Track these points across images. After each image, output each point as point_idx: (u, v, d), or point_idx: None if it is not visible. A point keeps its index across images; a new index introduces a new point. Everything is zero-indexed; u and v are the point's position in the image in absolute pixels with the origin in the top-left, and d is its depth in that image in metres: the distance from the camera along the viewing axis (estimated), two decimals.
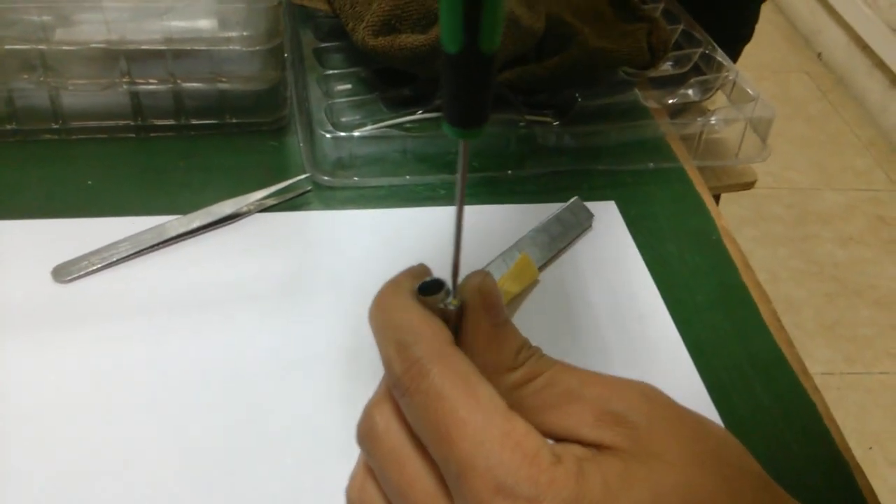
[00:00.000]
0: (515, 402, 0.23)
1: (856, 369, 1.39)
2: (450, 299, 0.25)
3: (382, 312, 0.25)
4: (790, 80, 2.08)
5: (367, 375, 0.39)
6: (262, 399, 0.38)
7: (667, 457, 0.21)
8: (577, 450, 0.22)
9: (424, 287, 0.25)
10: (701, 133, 0.55)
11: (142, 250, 0.44)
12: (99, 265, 0.43)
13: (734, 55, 0.81)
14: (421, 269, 0.26)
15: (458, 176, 0.24)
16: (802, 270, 1.55)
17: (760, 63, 2.10)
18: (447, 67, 0.20)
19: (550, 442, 0.22)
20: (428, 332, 0.23)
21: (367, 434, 0.25)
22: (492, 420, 0.21)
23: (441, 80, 0.20)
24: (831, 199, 1.72)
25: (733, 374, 0.42)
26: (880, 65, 1.91)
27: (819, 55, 2.17)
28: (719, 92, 0.60)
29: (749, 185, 0.77)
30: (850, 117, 1.94)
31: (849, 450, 0.40)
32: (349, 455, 0.26)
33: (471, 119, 0.21)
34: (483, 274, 0.25)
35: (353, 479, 0.26)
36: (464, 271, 0.25)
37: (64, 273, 0.43)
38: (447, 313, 0.25)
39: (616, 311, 0.44)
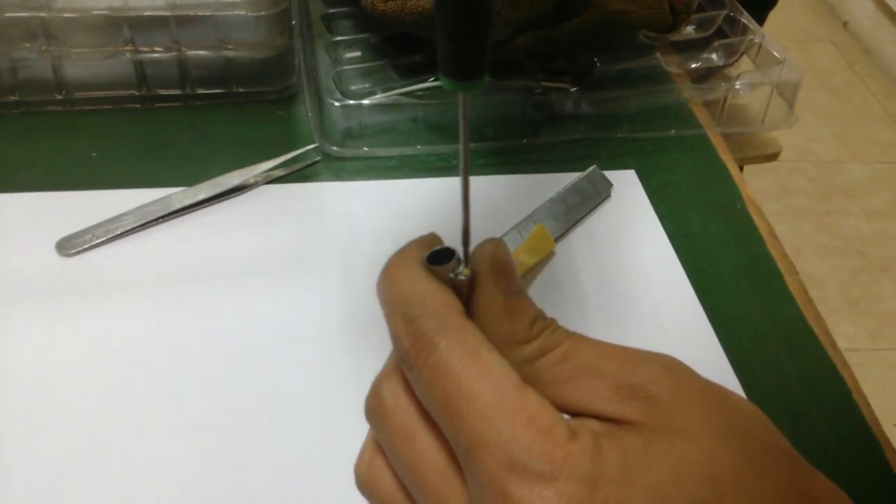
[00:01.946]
0: (529, 376, 0.22)
1: (880, 346, 1.36)
2: (461, 269, 0.24)
3: (390, 284, 0.23)
4: (815, 50, 2.02)
5: (378, 350, 0.37)
6: (270, 374, 0.37)
7: (689, 432, 0.20)
8: (594, 425, 0.21)
9: (434, 256, 0.24)
10: (725, 98, 0.53)
11: (147, 223, 0.43)
12: (103, 238, 0.42)
13: (759, 21, 0.78)
14: (431, 239, 0.25)
15: (461, 134, 0.22)
16: (826, 245, 1.51)
17: (785, 33, 2.05)
18: (440, 10, 0.18)
19: (566, 417, 0.21)
20: (436, 304, 0.22)
21: (375, 409, 0.24)
22: (503, 394, 0.20)
23: (436, 26, 0.19)
24: (857, 172, 1.67)
25: (758, 348, 0.40)
26: None
27: (845, 24, 2.11)
28: (744, 57, 0.57)
29: (773, 157, 0.75)
30: (877, 88, 1.88)
31: (879, 426, 0.38)
32: (359, 432, 0.25)
33: (469, 69, 0.20)
34: (495, 241, 0.24)
35: (361, 455, 0.25)
36: (476, 243, 0.23)
37: (68, 246, 0.42)
38: (458, 284, 0.24)
39: (636, 283, 0.43)
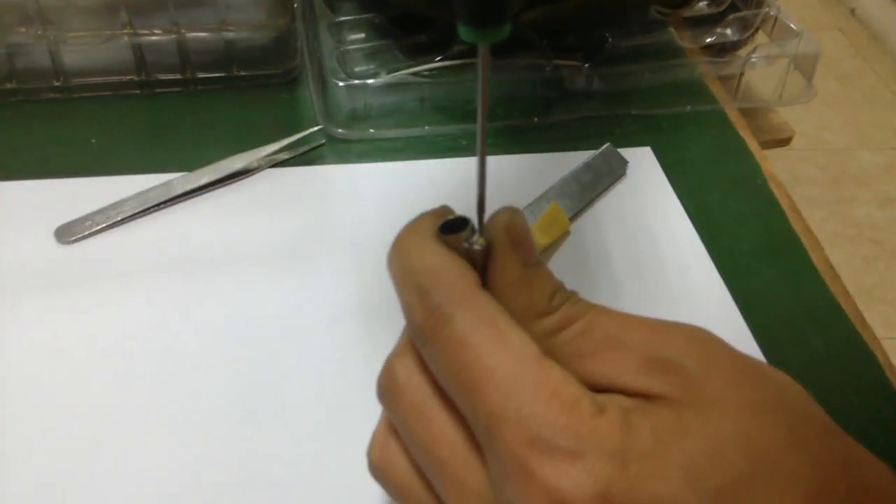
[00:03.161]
0: (550, 350, 0.21)
1: (895, 334, 1.34)
2: (475, 238, 0.22)
3: (401, 256, 0.22)
4: (823, 37, 2.00)
5: (390, 335, 0.36)
6: (278, 362, 0.35)
7: (723, 405, 0.19)
8: (621, 400, 0.20)
9: (447, 226, 0.22)
10: (741, 73, 0.51)
11: (148, 208, 0.42)
12: (103, 225, 0.41)
13: None
14: (443, 211, 0.24)
15: (479, 92, 0.21)
16: (839, 234, 1.49)
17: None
18: None
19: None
20: (450, 275, 0.21)
21: (387, 388, 0.23)
22: (524, 367, 0.19)
23: None
24: (868, 159, 1.65)
25: (785, 326, 0.39)
26: None
27: (852, 11, 2.09)
28: (759, 32, 0.56)
29: (786, 142, 0.73)
30: (886, 74, 1.86)
31: None
32: (371, 419, 0.24)
33: (489, 14, 0.18)
34: (511, 210, 0.22)
35: (374, 438, 0.24)
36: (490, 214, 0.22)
37: (67, 234, 0.40)
38: (473, 254, 0.22)
39: (655, 262, 0.41)
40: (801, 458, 0.19)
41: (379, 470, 0.23)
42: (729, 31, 0.55)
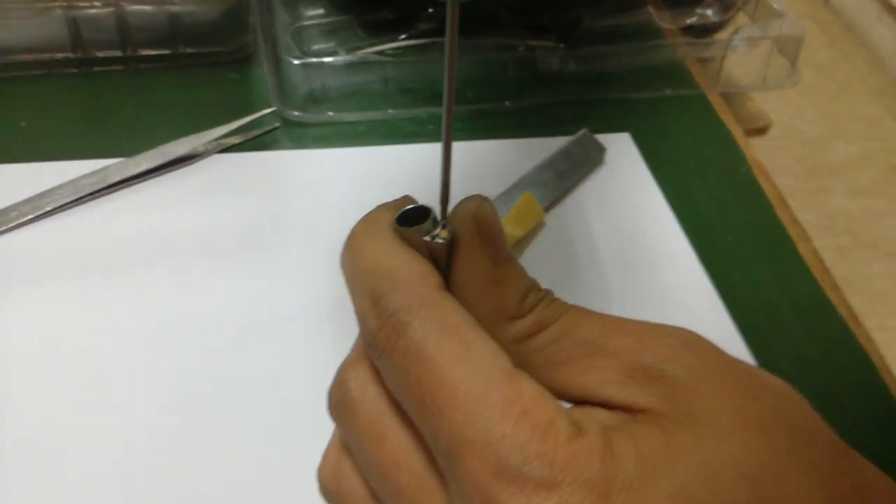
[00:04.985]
0: (521, 357, 0.18)
1: (870, 324, 1.34)
2: (438, 231, 0.19)
3: (354, 255, 0.20)
4: None
5: (347, 337, 0.33)
6: (221, 368, 0.32)
7: (717, 421, 0.17)
8: (602, 416, 0.17)
9: (405, 217, 0.19)
10: (723, 56, 0.49)
11: (81, 197, 0.38)
12: (31, 216, 0.37)
13: None
14: (404, 202, 0.21)
15: (446, 57, 0.18)
16: (814, 224, 1.49)
17: None
18: None
19: (567, 405, 0.17)
20: (407, 276, 0.18)
21: (339, 403, 0.20)
22: (491, 382, 0.17)
23: None
24: (842, 150, 1.65)
25: (773, 322, 0.36)
26: (890, 9, 1.84)
27: (826, 1, 2.09)
28: (741, 13, 0.53)
29: (763, 131, 0.71)
30: (860, 64, 1.87)
31: None
32: (324, 431, 0.21)
33: None
34: (479, 199, 0.19)
35: (325, 457, 0.21)
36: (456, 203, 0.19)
37: None
38: (435, 250, 0.19)
39: (635, 255, 0.38)
40: (809, 480, 0.16)
41: (330, 492, 0.21)
42: (710, 12, 0.53)
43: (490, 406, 0.16)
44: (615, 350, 0.18)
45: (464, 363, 0.17)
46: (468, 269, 0.19)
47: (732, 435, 0.16)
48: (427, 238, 0.19)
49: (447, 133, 0.19)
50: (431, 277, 0.18)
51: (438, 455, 0.17)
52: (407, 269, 0.18)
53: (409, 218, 0.19)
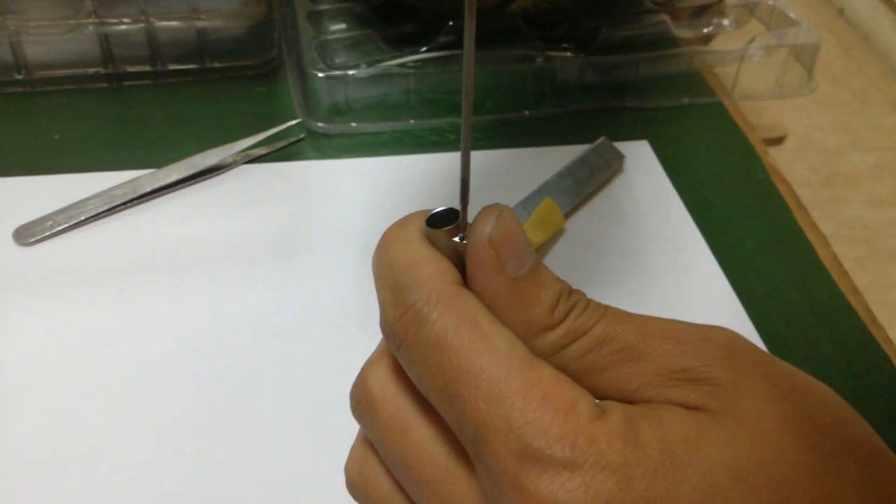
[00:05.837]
0: (559, 367, 0.18)
1: (892, 334, 1.33)
2: (466, 233, 0.20)
3: (381, 253, 0.20)
4: None
5: (369, 342, 0.34)
6: (252, 371, 0.33)
7: (756, 422, 0.17)
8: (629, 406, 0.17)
9: (435, 218, 0.20)
10: (739, 64, 0.49)
11: (113, 208, 0.39)
12: (65, 225, 0.38)
13: None
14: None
15: (465, 54, 0.18)
16: (831, 235, 1.48)
17: None
18: None
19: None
20: (428, 272, 0.19)
21: (360, 400, 0.20)
22: (510, 370, 0.17)
23: None
24: (859, 160, 1.64)
25: (793, 326, 0.36)
26: None
27: (841, 11, 2.08)
28: (757, 22, 0.54)
29: (779, 141, 0.71)
30: (876, 75, 1.86)
31: None
32: (350, 431, 0.22)
33: None
34: (499, 208, 0.19)
35: (351, 455, 0.21)
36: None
37: (27, 234, 0.38)
38: (462, 251, 0.20)
39: (655, 260, 0.39)
40: (842, 487, 0.16)
41: (358, 489, 0.21)
42: (726, 22, 0.53)
43: (511, 392, 0.16)
44: (655, 355, 0.18)
45: (483, 352, 0.17)
46: (489, 286, 0.18)
47: (768, 437, 0.16)
48: (457, 239, 0.20)
49: (466, 133, 0.19)
50: (449, 273, 0.19)
51: (465, 441, 0.17)
52: (426, 265, 0.19)
53: (440, 220, 0.20)
